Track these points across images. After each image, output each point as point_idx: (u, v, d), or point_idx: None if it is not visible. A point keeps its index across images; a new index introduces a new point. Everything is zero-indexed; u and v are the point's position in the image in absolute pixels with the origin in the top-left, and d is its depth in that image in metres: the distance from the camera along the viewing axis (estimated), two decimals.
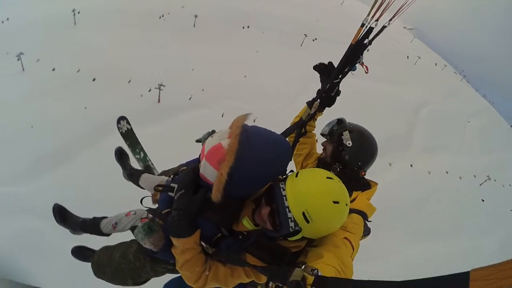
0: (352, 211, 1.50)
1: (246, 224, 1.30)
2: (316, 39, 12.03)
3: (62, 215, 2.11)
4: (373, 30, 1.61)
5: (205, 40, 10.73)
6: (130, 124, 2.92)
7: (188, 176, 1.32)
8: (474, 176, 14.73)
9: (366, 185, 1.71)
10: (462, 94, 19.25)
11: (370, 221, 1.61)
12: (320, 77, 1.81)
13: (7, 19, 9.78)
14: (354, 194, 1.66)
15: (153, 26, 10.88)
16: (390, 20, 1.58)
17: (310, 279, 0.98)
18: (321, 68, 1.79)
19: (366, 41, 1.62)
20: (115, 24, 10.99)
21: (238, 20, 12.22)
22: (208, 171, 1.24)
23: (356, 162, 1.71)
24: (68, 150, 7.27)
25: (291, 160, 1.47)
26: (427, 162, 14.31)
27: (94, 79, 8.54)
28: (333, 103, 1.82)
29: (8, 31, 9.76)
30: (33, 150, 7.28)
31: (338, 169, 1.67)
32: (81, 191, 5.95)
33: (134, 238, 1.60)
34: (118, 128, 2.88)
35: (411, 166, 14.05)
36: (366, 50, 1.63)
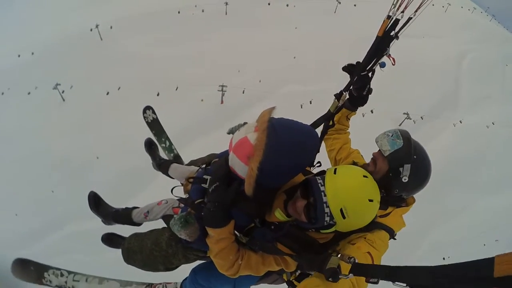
0: (382, 227, 1.49)
1: (279, 215, 1.34)
2: (355, 4, 11.11)
3: (96, 203, 2.13)
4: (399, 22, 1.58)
5: (241, 25, 10.03)
6: (155, 114, 2.93)
7: (221, 169, 1.35)
8: None
9: (403, 203, 1.62)
10: (495, 37, 18.26)
11: (395, 239, 1.59)
12: (350, 77, 1.79)
13: (32, 53, 9.08)
14: (390, 208, 1.58)
15: (184, 22, 10.12)
16: (416, 11, 1.54)
17: (346, 266, 1.05)
18: (349, 69, 1.76)
19: (392, 33, 1.59)
20: (143, 29, 10.12)
21: None
22: (236, 164, 1.26)
23: (401, 194, 1.58)
24: (141, 176, 6.94)
25: (319, 148, 1.49)
26: (475, 116, 13.93)
27: (158, 94, 8.07)
28: (365, 102, 1.79)
29: (30, 63, 9.03)
30: (104, 180, 6.86)
31: (381, 195, 1.48)
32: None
33: (165, 226, 1.69)
34: (144, 117, 2.88)
35: (461, 122, 13.73)
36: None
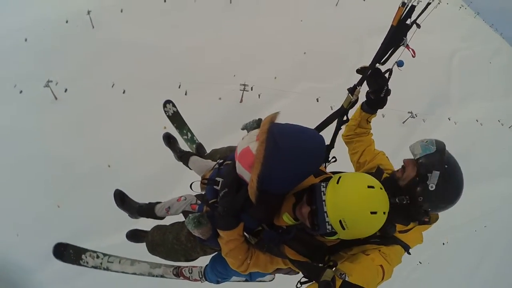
0: (398, 242, 1.48)
1: (287, 219, 1.37)
2: None
3: (122, 199, 2.30)
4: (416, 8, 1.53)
5: (248, 16, 9.41)
6: (176, 107, 3.02)
7: (231, 175, 1.41)
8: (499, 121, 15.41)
9: (426, 217, 1.54)
10: (480, 34, 19.17)
11: (409, 254, 1.57)
12: (366, 80, 1.75)
13: (25, 39, 7.78)
14: (411, 224, 1.54)
15: (184, 9, 9.27)
16: None
17: (339, 281, 1.09)
18: (363, 72, 1.72)
19: (409, 21, 1.51)
20: (139, 16, 9.17)
21: None
22: (242, 172, 1.30)
23: (426, 207, 1.49)
24: (159, 185, 6.11)
25: (324, 153, 1.51)
26: (463, 112, 14.68)
27: (186, 93, 7.24)
28: (385, 104, 1.75)
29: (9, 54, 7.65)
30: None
31: (404, 202, 1.45)
32: None
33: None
34: (165, 111, 2.97)
35: (449, 119, 14.43)
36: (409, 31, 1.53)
